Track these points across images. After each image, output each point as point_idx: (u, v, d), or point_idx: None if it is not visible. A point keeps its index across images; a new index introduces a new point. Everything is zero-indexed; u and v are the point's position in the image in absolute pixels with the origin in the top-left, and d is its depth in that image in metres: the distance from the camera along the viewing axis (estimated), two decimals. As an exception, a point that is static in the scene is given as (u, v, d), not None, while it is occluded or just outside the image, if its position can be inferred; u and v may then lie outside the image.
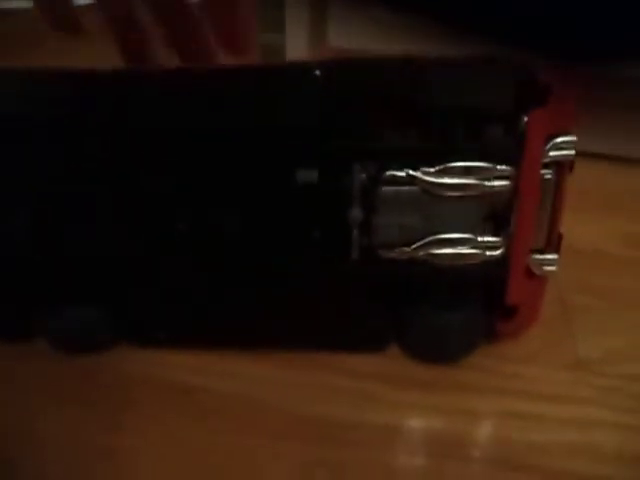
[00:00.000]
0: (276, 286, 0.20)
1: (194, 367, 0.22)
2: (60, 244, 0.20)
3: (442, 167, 0.18)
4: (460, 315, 0.21)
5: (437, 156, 0.18)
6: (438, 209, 0.19)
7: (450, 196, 0.19)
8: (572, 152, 0.19)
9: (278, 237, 0.20)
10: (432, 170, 0.18)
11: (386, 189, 0.19)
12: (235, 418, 0.20)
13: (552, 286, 0.22)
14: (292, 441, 0.19)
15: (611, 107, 0.31)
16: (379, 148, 0.18)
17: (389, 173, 0.19)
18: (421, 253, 0.20)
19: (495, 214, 0.20)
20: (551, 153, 0.19)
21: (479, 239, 0.20)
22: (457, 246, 0.20)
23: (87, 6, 0.23)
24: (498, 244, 0.20)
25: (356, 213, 0.19)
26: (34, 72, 0.19)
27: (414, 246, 0.20)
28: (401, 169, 0.19)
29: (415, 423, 0.20)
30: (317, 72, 0.17)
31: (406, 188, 0.19)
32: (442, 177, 0.19)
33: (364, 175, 0.19)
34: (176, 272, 0.20)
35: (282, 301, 0.21)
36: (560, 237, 0.21)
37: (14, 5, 0.42)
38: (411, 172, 0.19)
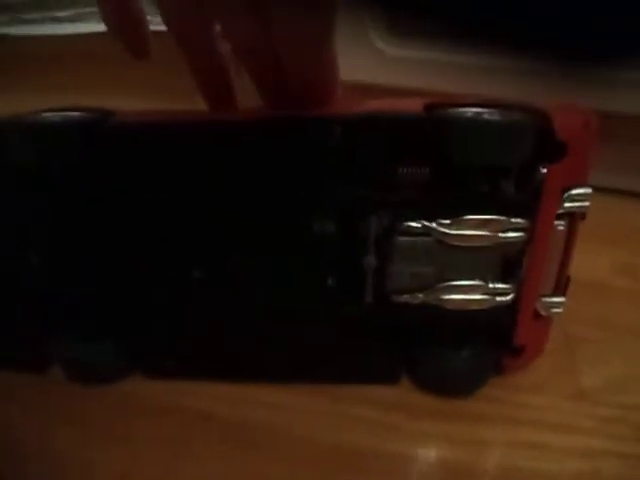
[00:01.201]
0: (293, 326, 0.21)
1: (218, 395, 0.22)
2: (77, 280, 0.21)
3: (457, 219, 0.19)
4: (468, 354, 0.21)
5: (453, 208, 0.19)
6: (451, 258, 0.20)
7: (463, 246, 0.19)
8: (586, 204, 0.20)
9: (294, 282, 0.20)
10: (447, 222, 0.19)
11: (401, 239, 0.19)
12: (259, 446, 0.21)
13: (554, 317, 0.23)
14: (315, 469, 0.20)
15: (614, 142, 0.31)
16: (396, 200, 0.19)
17: (405, 224, 0.19)
18: (432, 298, 0.20)
19: (506, 261, 0.20)
20: (565, 204, 0.20)
21: (490, 285, 0.20)
22: (468, 292, 0.20)
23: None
24: (508, 290, 0.20)
25: (371, 261, 0.20)
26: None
27: (426, 292, 0.20)
28: (417, 220, 0.19)
29: (431, 452, 0.21)
30: (338, 127, 0.17)
31: (421, 238, 0.19)
32: (457, 229, 0.19)
33: (380, 225, 0.19)
34: (192, 311, 0.21)
35: (299, 339, 0.21)
36: (568, 280, 0.22)
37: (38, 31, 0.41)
38: (426, 223, 0.19)
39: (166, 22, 0.20)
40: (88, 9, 0.44)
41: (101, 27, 0.46)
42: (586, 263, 0.27)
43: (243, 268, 0.20)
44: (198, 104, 0.53)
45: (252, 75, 0.20)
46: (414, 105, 0.19)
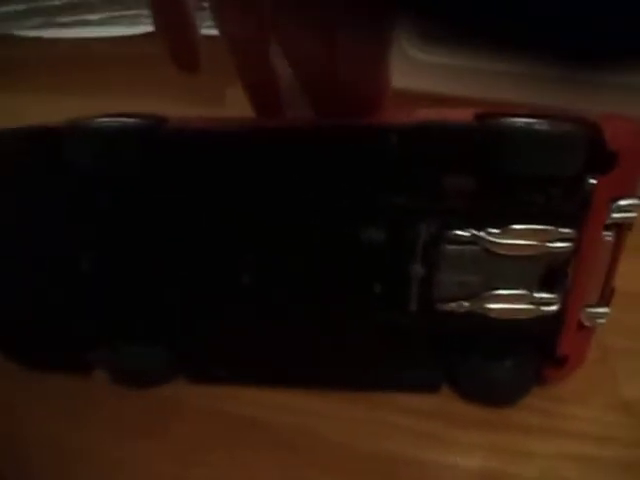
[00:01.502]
0: (337, 333, 0.21)
1: (261, 401, 0.23)
2: (128, 285, 0.21)
3: (506, 228, 0.19)
4: (511, 363, 0.21)
5: (502, 217, 0.19)
6: (498, 267, 0.20)
7: (511, 255, 0.19)
8: (634, 214, 0.20)
9: (341, 290, 0.20)
10: (496, 231, 0.19)
11: (449, 247, 0.19)
12: (299, 452, 0.21)
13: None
14: (353, 476, 0.20)
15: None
16: (445, 208, 0.19)
17: (453, 232, 0.19)
18: (477, 307, 0.20)
19: (553, 271, 0.20)
20: (613, 215, 0.19)
21: (535, 295, 0.20)
22: (514, 301, 0.20)
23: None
24: (554, 300, 0.20)
25: (418, 269, 0.20)
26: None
27: (471, 300, 0.20)
28: (465, 229, 0.19)
29: (472, 462, 0.21)
30: (394, 137, 0.18)
31: (469, 247, 0.19)
32: (506, 238, 0.19)
33: (428, 233, 0.19)
34: (239, 316, 0.21)
35: (342, 344, 0.21)
36: (613, 291, 0.21)
37: (49, 34, 0.42)
38: (475, 232, 0.19)
39: (219, 27, 0.20)
40: (119, 12, 0.45)
41: (131, 30, 0.47)
42: (627, 273, 0.27)
43: (291, 275, 0.20)
44: (228, 105, 0.53)
45: (303, 82, 0.20)
46: (464, 115, 0.19)
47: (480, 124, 0.18)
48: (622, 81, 0.33)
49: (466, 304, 0.20)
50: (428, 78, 0.38)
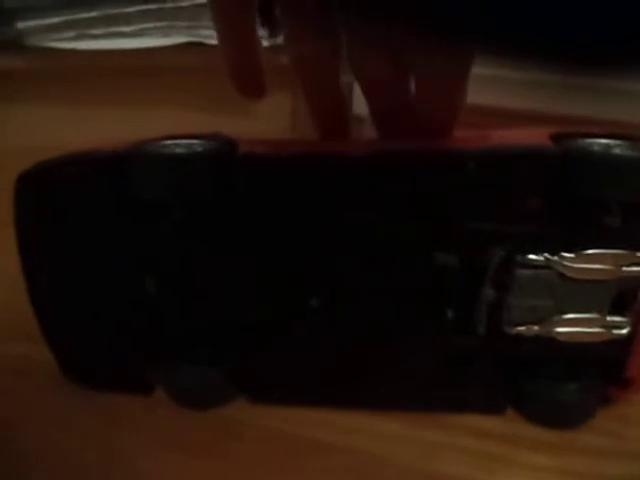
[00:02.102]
0: (404, 355, 0.21)
1: (324, 423, 0.22)
2: (193, 308, 0.21)
3: (582, 253, 0.19)
4: (578, 386, 0.21)
5: (578, 242, 0.19)
6: (570, 291, 0.20)
7: (583, 279, 0.19)
8: None
9: (411, 312, 0.20)
10: (570, 255, 0.19)
11: (521, 271, 0.19)
12: (365, 476, 0.21)
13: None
14: None
15: None
16: (519, 232, 0.19)
17: (526, 256, 0.19)
18: (547, 331, 0.20)
19: (624, 294, 0.20)
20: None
21: (607, 319, 0.20)
22: (584, 325, 0.20)
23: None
24: (624, 324, 0.20)
25: (489, 292, 0.20)
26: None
27: (541, 324, 0.20)
28: (539, 253, 0.19)
29: None
30: (472, 163, 0.18)
31: (542, 271, 0.19)
32: (581, 262, 0.19)
33: (501, 257, 0.19)
34: (304, 337, 0.21)
35: (409, 366, 0.21)
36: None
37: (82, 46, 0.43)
38: (549, 256, 0.19)
39: (290, 51, 0.20)
40: (152, 24, 0.45)
41: (164, 41, 0.47)
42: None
43: (361, 297, 0.20)
44: (251, 116, 0.53)
45: (373, 105, 0.20)
46: (539, 135, 0.19)
47: (558, 148, 0.18)
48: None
49: (535, 328, 0.20)
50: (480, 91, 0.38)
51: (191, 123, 0.47)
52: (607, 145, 0.18)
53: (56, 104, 0.44)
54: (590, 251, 0.19)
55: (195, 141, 0.19)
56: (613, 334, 0.20)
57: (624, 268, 0.19)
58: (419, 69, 0.18)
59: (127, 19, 0.44)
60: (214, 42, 0.46)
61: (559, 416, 0.22)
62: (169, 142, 0.19)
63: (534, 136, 0.19)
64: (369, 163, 0.19)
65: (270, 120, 0.50)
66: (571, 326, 0.20)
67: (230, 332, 0.22)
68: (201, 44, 0.47)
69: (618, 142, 0.18)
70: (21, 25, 0.42)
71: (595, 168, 0.18)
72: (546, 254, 0.19)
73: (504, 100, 0.36)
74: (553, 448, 0.22)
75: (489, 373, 0.22)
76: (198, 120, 0.50)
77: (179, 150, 0.19)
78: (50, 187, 0.20)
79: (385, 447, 0.22)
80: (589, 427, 0.22)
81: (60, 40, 0.43)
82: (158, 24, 0.45)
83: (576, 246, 0.19)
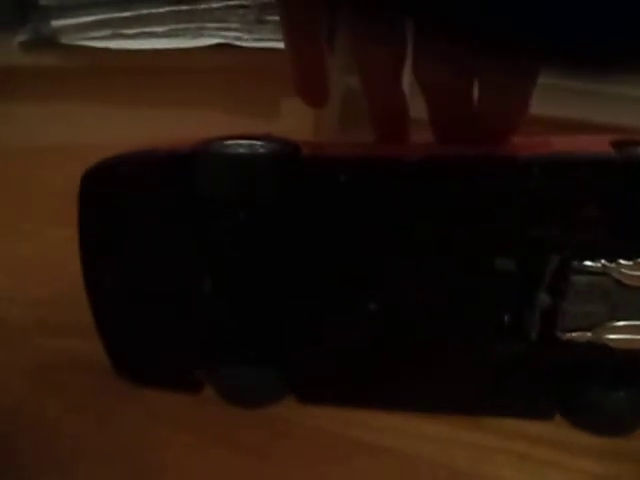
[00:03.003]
0: (456, 357, 0.21)
1: (372, 424, 0.23)
2: (249, 307, 0.21)
3: (638, 261, 0.19)
4: (628, 393, 0.21)
5: (635, 249, 0.19)
6: (624, 298, 0.20)
7: (638, 286, 0.20)
8: None
9: (468, 315, 0.21)
10: (628, 263, 0.19)
11: (578, 277, 0.20)
12: (410, 476, 0.21)
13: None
14: None
15: None
16: (578, 238, 0.19)
17: (584, 263, 0.19)
18: (599, 337, 0.20)
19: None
20: None
21: (660, 326, 0.20)
22: (636, 333, 0.20)
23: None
24: (676, 332, 0.21)
25: (544, 298, 0.20)
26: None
27: (594, 331, 0.20)
28: (596, 260, 0.19)
29: None
30: (536, 169, 0.18)
31: (598, 277, 0.20)
32: (637, 270, 0.19)
33: (558, 263, 0.19)
34: (358, 340, 0.21)
35: (459, 370, 0.22)
36: None
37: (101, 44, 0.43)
38: (606, 263, 0.19)
39: (352, 50, 0.21)
40: (184, 25, 0.45)
41: (195, 42, 0.47)
42: None
43: (419, 301, 0.20)
44: (282, 116, 0.53)
45: (434, 111, 0.20)
46: (600, 142, 0.19)
47: (620, 155, 0.18)
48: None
49: (588, 334, 0.20)
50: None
51: (217, 123, 0.48)
52: None
53: (90, 102, 0.45)
54: (647, 259, 0.19)
55: (256, 142, 0.20)
56: (664, 341, 0.21)
57: (679, 277, 0.19)
58: (484, 80, 0.18)
59: (160, 19, 0.44)
60: (243, 44, 0.47)
61: (608, 424, 0.22)
62: (231, 142, 0.20)
63: (595, 143, 0.19)
64: (430, 167, 0.19)
65: (294, 121, 0.51)
66: (623, 333, 0.20)
67: (282, 332, 0.22)
68: (230, 46, 0.48)
69: None
70: (56, 23, 0.43)
71: None
72: (604, 261, 0.19)
73: (546, 108, 0.36)
74: (602, 454, 0.22)
75: (539, 379, 0.22)
76: (224, 120, 0.51)
77: (243, 150, 0.19)
78: (113, 185, 0.21)
79: (433, 450, 0.22)
80: (638, 434, 0.23)
81: (94, 39, 0.43)
82: (189, 25, 0.45)
83: (633, 254, 0.19)
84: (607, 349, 0.21)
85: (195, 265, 0.21)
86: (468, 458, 0.22)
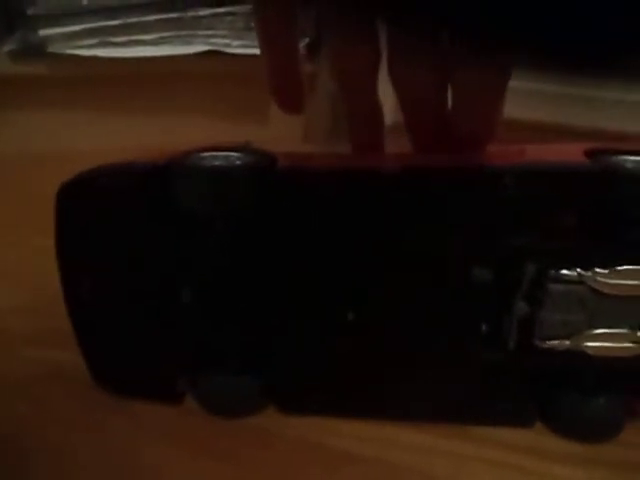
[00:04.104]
0: (435, 367, 0.22)
1: (353, 434, 0.23)
2: (227, 318, 0.22)
3: (615, 269, 0.19)
4: (606, 400, 0.22)
5: (611, 258, 0.19)
6: (602, 306, 0.20)
7: (615, 295, 0.20)
8: None
9: (444, 324, 0.21)
10: (604, 271, 0.19)
11: (555, 286, 0.20)
12: None
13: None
14: None
15: None
16: (553, 247, 0.19)
17: (560, 272, 0.20)
18: (577, 345, 0.21)
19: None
20: None
21: (638, 334, 0.21)
22: (615, 340, 0.21)
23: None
24: (654, 339, 0.21)
25: (521, 306, 0.20)
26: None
27: (572, 339, 0.21)
28: (572, 268, 0.20)
29: None
30: (510, 179, 0.18)
31: (574, 286, 0.20)
32: (614, 278, 0.20)
33: (535, 272, 0.20)
34: (337, 349, 0.22)
35: (439, 379, 0.22)
36: None
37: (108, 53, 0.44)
38: (582, 272, 0.20)
39: (328, 58, 0.21)
40: (173, 32, 0.46)
41: (184, 50, 0.48)
42: None
43: (397, 312, 0.21)
44: (271, 123, 0.54)
45: (409, 116, 0.21)
46: (574, 150, 0.19)
47: (593, 165, 0.19)
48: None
49: (566, 342, 0.21)
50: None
51: (206, 130, 0.48)
52: (638, 161, 0.18)
53: (78, 110, 0.45)
54: (623, 267, 0.19)
55: (233, 154, 0.20)
56: (642, 349, 0.21)
57: (655, 285, 0.20)
58: (458, 80, 0.19)
59: (148, 27, 0.45)
60: (232, 51, 0.47)
61: (587, 430, 0.22)
62: (207, 154, 0.20)
63: (569, 152, 0.19)
64: (404, 178, 0.19)
65: (284, 128, 0.51)
66: (601, 341, 0.21)
67: (262, 343, 0.22)
68: (219, 53, 0.48)
69: None
70: (44, 32, 0.44)
71: (630, 185, 0.18)
72: (579, 269, 0.20)
73: (526, 112, 0.37)
74: (579, 461, 0.22)
75: (518, 387, 0.22)
76: (214, 127, 0.51)
77: (218, 162, 0.20)
78: (90, 198, 0.21)
79: (413, 458, 0.22)
80: (617, 441, 0.23)
81: (82, 47, 0.44)
82: (178, 32, 0.45)
83: (609, 262, 0.19)
84: (586, 357, 0.21)
85: (174, 277, 0.21)
86: (447, 466, 0.22)
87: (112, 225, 0.21)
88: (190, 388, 0.24)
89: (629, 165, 0.18)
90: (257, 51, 0.51)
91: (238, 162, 0.20)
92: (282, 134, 0.53)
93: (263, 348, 0.22)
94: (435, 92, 0.19)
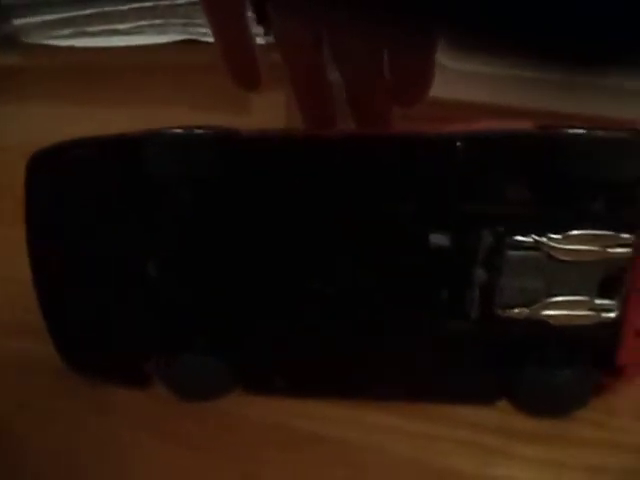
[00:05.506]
0: (399, 341, 0.22)
1: (325, 416, 0.23)
2: (193, 295, 0.22)
3: (568, 234, 0.20)
4: (570, 373, 0.22)
5: (564, 223, 0.20)
6: (559, 273, 0.21)
7: (571, 261, 0.21)
8: None
9: (405, 294, 0.22)
10: (558, 237, 0.20)
11: (511, 253, 0.21)
12: (360, 468, 0.22)
13: None
14: None
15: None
16: (508, 214, 0.20)
17: (516, 238, 0.20)
18: (538, 313, 0.21)
19: (611, 277, 0.21)
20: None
21: (595, 302, 0.21)
22: (573, 308, 0.21)
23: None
24: (613, 307, 0.21)
25: (480, 274, 0.21)
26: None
27: (532, 307, 0.21)
28: (528, 235, 0.20)
29: (530, 475, 0.22)
30: (459, 144, 0.19)
31: (531, 252, 0.21)
32: (568, 244, 0.20)
33: (492, 239, 0.20)
34: (301, 325, 0.22)
35: (403, 355, 0.22)
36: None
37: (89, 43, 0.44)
38: (537, 238, 0.20)
39: (277, 41, 0.22)
40: (148, 21, 0.47)
41: (160, 39, 0.48)
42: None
43: (357, 281, 0.21)
44: (254, 113, 0.54)
45: (350, 87, 0.22)
46: (525, 125, 0.20)
47: (543, 130, 0.20)
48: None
49: (526, 311, 0.21)
50: (460, 86, 0.40)
51: (186, 121, 0.49)
52: (589, 129, 0.19)
53: (53, 101, 0.46)
54: (576, 232, 0.20)
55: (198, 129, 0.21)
56: (602, 317, 0.21)
57: (609, 250, 0.20)
58: (391, 46, 0.20)
59: (123, 17, 0.45)
60: (210, 39, 0.48)
61: (550, 404, 0.23)
62: (176, 128, 0.21)
63: (520, 125, 0.20)
64: (359, 145, 0.20)
65: (265, 117, 0.52)
66: (561, 309, 0.21)
67: (228, 320, 0.23)
68: (197, 42, 0.49)
69: (598, 128, 0.19)
70: (18, 22, 0.44)
71: (577, 150, 0.19)
72: (534, 235, 0.20)
73: (482, 95, 0.38)
74: (544, 440, 0.23)
75: (482, 361, 0.23)
76: (194, 118, 0.52)
77: (184, 130, 0.21)
78: (59, 169, 0.21)
79: (378, 439, 0.23)
80: (578, 418, 0.23)
81: (57, 37, 0.45)
82: (154, 22, 0.46)
83: (563, 227, 0.20)
84: (548, 326, 0.22)
85: (140, 249, 0.22)
86: (413, 446, 0.23)
87: (81, 196, 0.22)
88: (157, 370, 0.24)
89: (578, 132, 0.19)
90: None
91: (202, 130, 0.20)
92: (264, 124, 0.53)
93: (229, 326, 0.23)
94: (370, 60, 0.21)
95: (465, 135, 0.19)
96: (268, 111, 0.54)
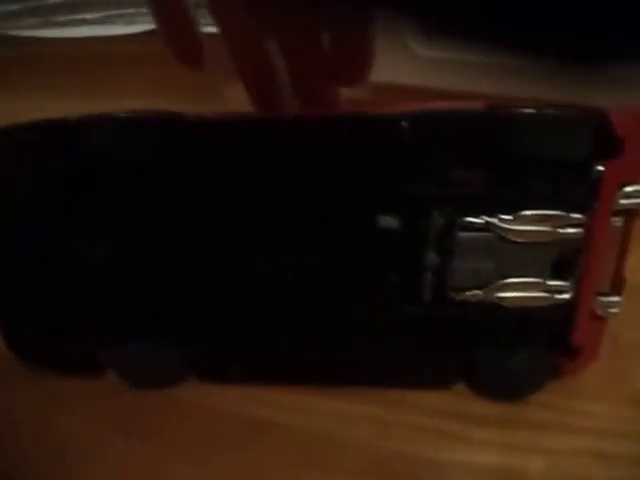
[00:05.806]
0: (352, 326, 0.22)
1: (277, 403, 0.24)
2: (142, 280, 0.22)
3: (518, 215, 0.20)
4: (526, 356, 0.22)
5: (513, 204, 0.20)
6: (511, 254, 0.21)
7: (523, 242, 0.21)
8: None
9: (355, 278, 0.21)
10: (508, 217, 0.20)
11: (462, 234, 0.21)
12: (314, 454, 0.22)
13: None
14: (375, 478, 0.21)
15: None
16: (457, 195, 0.20)
17: (466, 219, 0.20)
18: (491, 296, 0.21)
19: (564, 258, 0.21)
20: (621, 201, 0.21)
21: (548, 283, 0.21)
22: (526, 290, 0.21)
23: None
24: (566, 288, 0.21)
25: (432, 257, 0.21)
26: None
27: (485, 289, 0.21)
28: (478, 216, 0.20)
29: (488, 459, 0.22)
30: (405, 123, 0.19)
31: (482, 234, 0.21)
32: (518, 224, 0.20)
33: (442, 220, 0.20)
34: (252, 312, 0.22)
35: (356, 339, 0.22)
36: (624, 280, 0.23)
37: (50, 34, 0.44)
38: (488, 219, 0.20)
39: (219, 26, 0.22)
40: (116, 11, 0.46)
41: (128, 29, 0.48)
42: (638, 266, 0.28)
43: (306, 264, 0.21)
44: (226, 103, 0.54)
45: (293, 67, 0.22)
46: (474, 106, 0.20)
47: (489, 110, 0.19)
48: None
49: (479, 293, 0.21)
50: (431, 73, 0.40)
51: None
52: (536, 108, 0.19)
53: (18, 93, 0.45)
54: (526, 212, 0.20)
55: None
56: (556, 299, 0.21)
57: (560, 230, 0.20)
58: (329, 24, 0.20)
59: (89, 6, 0.45)
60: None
61: (507, 387, 0.23)
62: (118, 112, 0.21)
63: (469, 106, 0.20)
64: (302, 126, 0.20)
65: (239, 108, 0.52)
66: (514, 291, 0.21)
67: (178, 308, 0.23)
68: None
69: (547, 108, 0.19)
70: (-19, 12, 0.44)
71: (525, 130, 0.19)
72: (485, 217, 0.20)
73: (455, 83, 0.38)
74: (500, 423, 0.23)
75: (437, 345, 0.23)
76: (165, 107, 0.52)
77: (129, 114, 0.20)
78: (4, 153, 0.21)
79: (332, 425, 0.23)
80: (535, 401, 0.24)
81: (23, 27, 0.44)
82: (122, 11, 0.46)
83: (513, 208, 0.20)
84: (501, 309, 0.22)
85: (88, 235, 0.21)
86: (367, 432, 0.23)
87: (24, 182, 0.21)
88: (109, 360, 0.24)
89: (525, 112, 0.19)
90: (208, 29, 0.52)
91: (147, 113, 0.20)
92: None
93: (179, 315, 0.23)
94: (311, 41, 0.21)
95: (410, 115, 0.19)
96: (242, 102, 0.54)
